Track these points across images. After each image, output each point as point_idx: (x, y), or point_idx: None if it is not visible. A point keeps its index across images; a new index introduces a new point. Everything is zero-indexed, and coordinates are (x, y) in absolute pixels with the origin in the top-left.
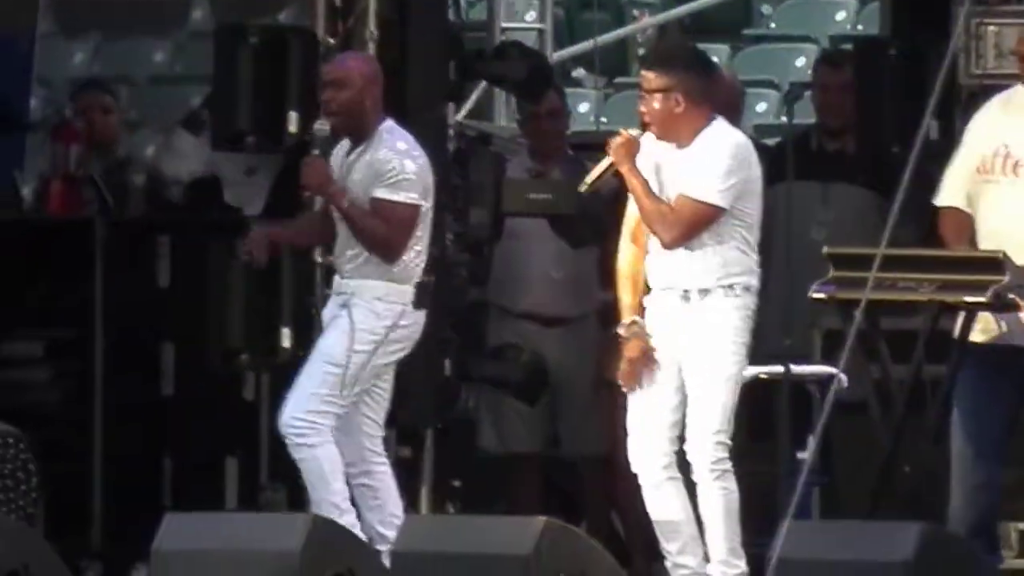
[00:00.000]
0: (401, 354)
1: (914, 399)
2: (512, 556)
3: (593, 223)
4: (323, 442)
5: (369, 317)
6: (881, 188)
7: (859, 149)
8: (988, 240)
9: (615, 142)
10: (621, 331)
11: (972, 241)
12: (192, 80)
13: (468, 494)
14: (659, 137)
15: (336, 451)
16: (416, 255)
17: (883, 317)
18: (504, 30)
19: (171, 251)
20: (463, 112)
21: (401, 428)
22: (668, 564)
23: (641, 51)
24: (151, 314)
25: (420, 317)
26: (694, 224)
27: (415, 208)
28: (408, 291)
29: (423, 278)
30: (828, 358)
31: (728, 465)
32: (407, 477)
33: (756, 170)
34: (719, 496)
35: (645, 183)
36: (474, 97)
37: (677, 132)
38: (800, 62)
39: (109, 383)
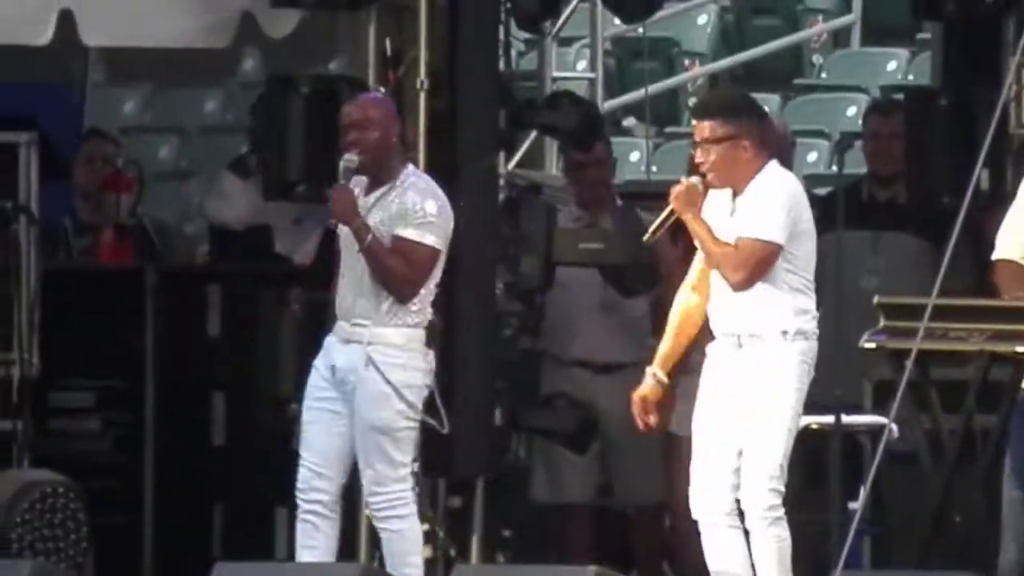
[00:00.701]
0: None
1: (965, 449)
2: None
3: (644, 272)
4: (411, 514)
5: (398, 371)
6: (932, 237)
7: (910, 198)
8: None
9: (676, 190)
10: (647, 371)
11: None
12: (243, 130)
13: (519, 544)
14: (719, 185)
15: (419, 523)
16: (428, 295)
17: (934, 367)
18: (555, 79)
19: (221, 300)
20: (514, 162)
21: (451, 477)
22: None
23: (692, 101)
24: (201, 363)
25: (431, 356)
26: (759, 264)
27: (437, 253)
28: (422, 334)
29: (432, 319)
30: (879, 408)
31: (781, 512)
32: (457, 526)
33: (807, 212)
34: (772, 543)
35: (710, 229)
36: (525, 146)
37: (739, 179)
38: (851, 112)
39: (159, 432)
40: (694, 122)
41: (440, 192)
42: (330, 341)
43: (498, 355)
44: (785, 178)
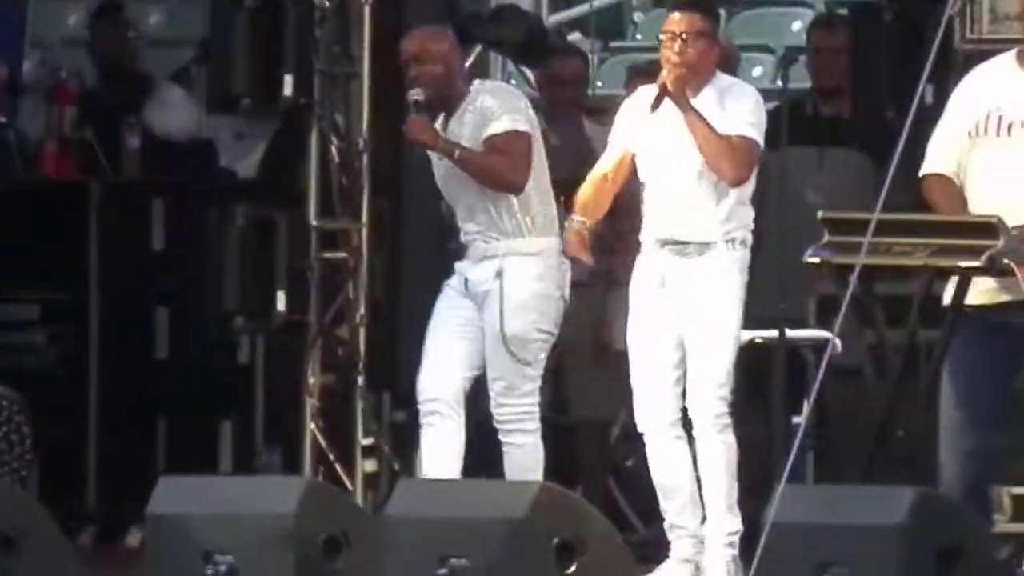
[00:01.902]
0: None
1: (908, 364)
2: (506, 519)
3: None
4: (536, 428)
5: (532, 282)
6: (876, 152)
7: (854, 113)
8: (982, 203)
9: (672, 75)
10: (569, 224)
11: (962, 207)
12: (186, 44)
13: (466, 458)
14: (687, 78)
15: (541, 443)
16: (550, 201)
17: (878, 282)
18: None
19: (166, 214)
20: None
21: (396, 392)
22: (666, 525)
23: (637, 15)
24: (145, 277)
25: (567, 268)
26: (751, 164)
27: (527, 136)
28: (556, 244)
29: (569, 227)
30: (823, 323)
31: (729, 420)
32: (402, 441)
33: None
34: (721, 449)
35: (703, 118)
36: (470, 61)
37: (700, 79)
38: (796, 27)
39: (104, 346)
40: (675, 15)
41: (506, 86)
42: (462, 264)
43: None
44: (752, 88)
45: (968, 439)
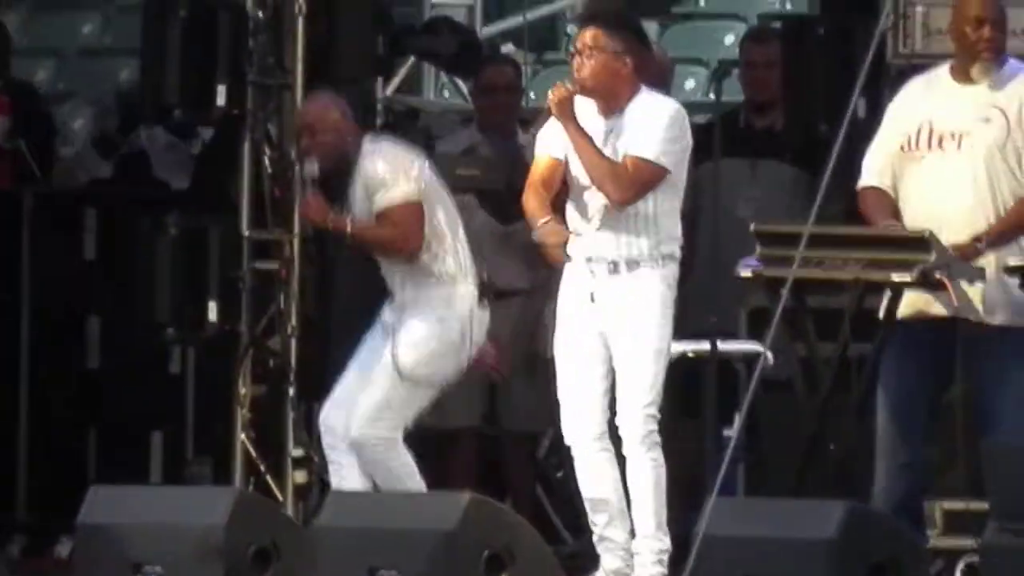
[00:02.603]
0: (470, 351)
1: (840, 377)
2: (436, 531)
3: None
4: (398, 454)
5: (421, 324)
6: (809, 166)
7: (787, 127)
8: (916, 216)
9: (557, 94)
10: (539, 227)
11: (896, 220)
12: (121, 53)
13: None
14: (594, 94)
15: (410, 457)
16: (455, 246)
17: (809, 295)
18: (434, 5)
19: (98, 224)
20: (392, 87)
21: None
22: (595, 538)
23: (570, 28)
24: (78, 286)
25: (486, 315)
26: (647, 184)
27: (415, 204)
28: (471, 291)
29: (484, 275)
30: (754, 336)
31: (657, 437)
32: None
33: (690, 139)
34: (649, 468)
35: (592, 140)
36: (403, 72)
37: (615, 95)
38: (729, 40)
39: (35, 355)
40: (580, 30)
41: (390, 145)
42: (387, 305)
43: (377, 283)
44: (672, 103)
45: (901, 452)
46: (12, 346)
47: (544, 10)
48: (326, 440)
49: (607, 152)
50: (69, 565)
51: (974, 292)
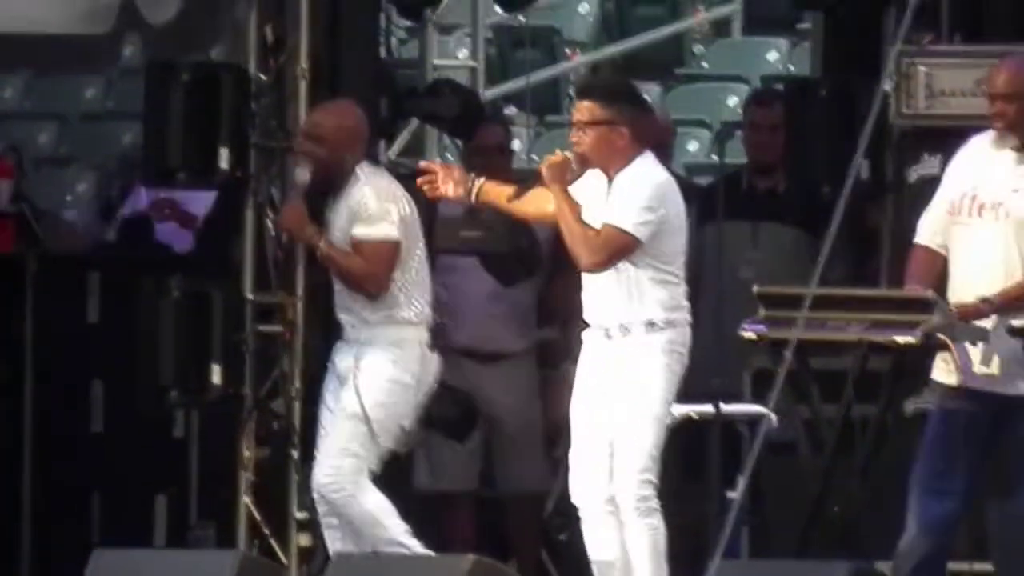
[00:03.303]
0: (420, 398)
1: (843, 439)
2: None
3: (525, 260)
4: (364, 496)
5: (380, 367)
6: (811, 227)
7: (789, 189)
8: (957, 281)
9: (548, 160)
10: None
11: (938, 280)
12: (123, 117)
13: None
14: (591, 166)
15: (381, 495)
16: (422, 293)
17: (813, 357)
18: (436, 68)
19: (101, 287)
20: (395, 149)
21: None
22: None
23: (574, 84)
24: (81, 350)
25: (435, 360)
26: (614, 251)
27: (393, 244)
28: (423, 335)
29: (437, 320)
30: (758, 398)
31: (655, 503)
32: None
33: (675, 208)
34: (646, 534)
35: (576, 207)
36: (406, 134)
37: (611, 164)
38: (732, 102)
39: (38, 419)
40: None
41: (387, 181)
42: (336, 346)
43: None
44: (656, 174)
45: (934, 510)
46: (16, 409)
47: (546, 73)
48: (320, 508)
49: (604, 216)
50: None
51: (979, 354)
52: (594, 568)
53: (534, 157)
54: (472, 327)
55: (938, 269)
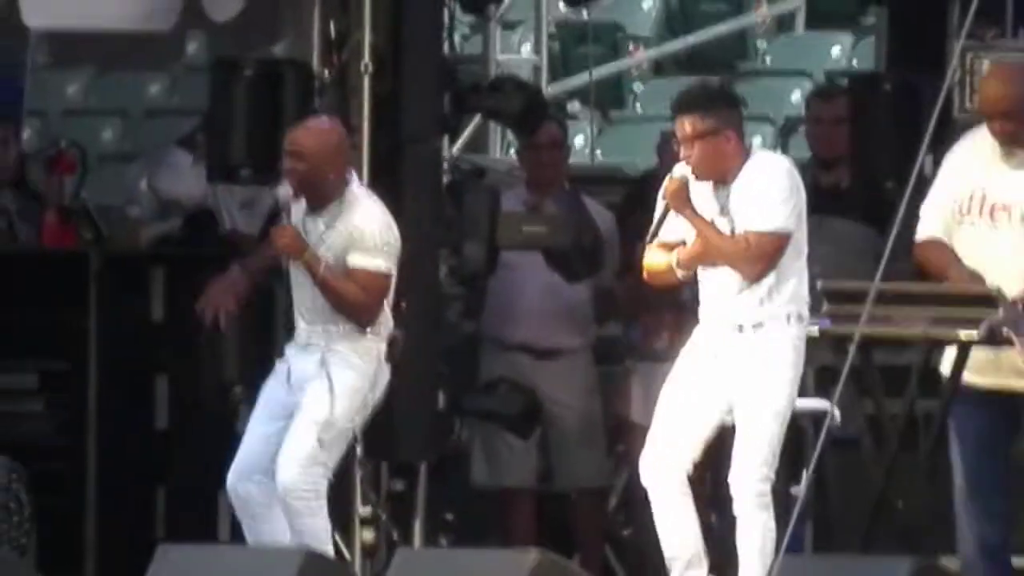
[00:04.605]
0: (367, 411)
1: (907, 434)
2: None
3: (588, 257)
4: (322, 507)
5: (350, 374)
6: (876, 222)
7: (853, 184)
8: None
9: (670, 188)
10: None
11: (961, 267)
12: (187, 113)
13: (461, 528)
14: (706, 178)
15: (327, 518)
16: (384, 316)
17: (877, 352)
18: (499, 63)
19: (165, 283)
20: (458, 145)
21: (394, 461)
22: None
23: (636, 85)
24: (145, 346)
25: (387, 372)
26: (774, 255)
27: (389, 278)
28: (382, 347)
29: (394, 333)
30: (822, 393)
31: (769, 499)
32: (400, 511)
33: (802, 191)
34: (759, 529)
35: (712, 225)
36: (469, 130)
37: (726, 170)
38: (795, 97)
39: (103, 415)
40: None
41: (382, 209)
42: (290, 349)
43: (441, 339)
44: (779, 163)
45: (978, 506)
46: (81, 407)
47: (609, 68)
48: (241, 511)
49: (724, 224)
50: None
51: None
52: (665, 549)
53: (598, 152)
54: (529, 323)
55: (956, 258)
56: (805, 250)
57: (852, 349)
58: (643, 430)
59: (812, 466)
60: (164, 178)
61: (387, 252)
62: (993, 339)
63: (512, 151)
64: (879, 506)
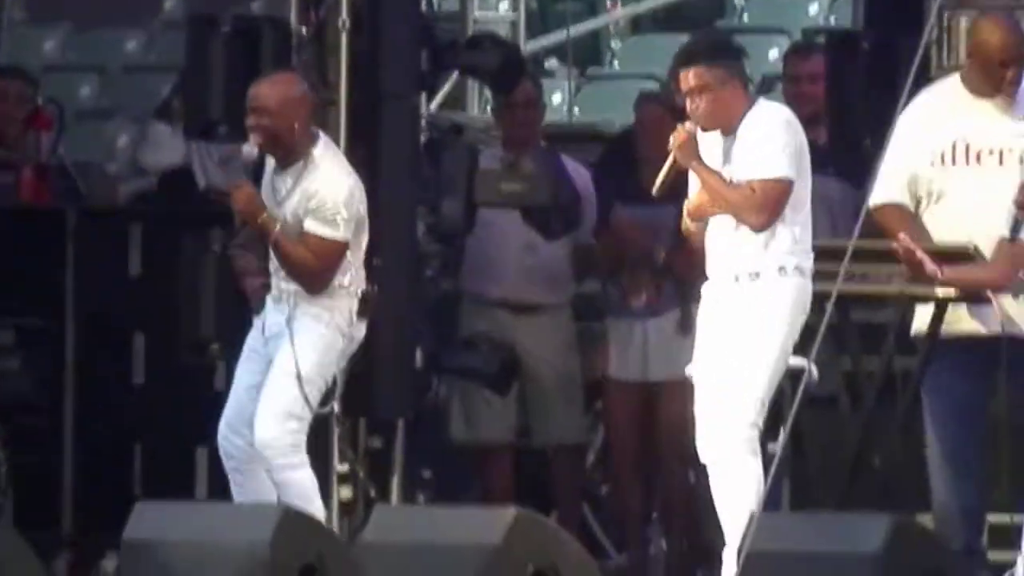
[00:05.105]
0: (343, 363)
1: (884, 392)
2: (482, 547)
3: (565, 214)
4: (303, 462)
5: (318, 329)
6: (853, 180)
7: (831, 141)
8: (959, 230)
9: (677, 141)
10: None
11: (923, 236)
12: (165, 70)
13: (439, 484)
14: (711, 129)
15: (311, 471)
16: (359, 265)
17: (854, 309)
18: (477, 21)
19: (143, 240)
20: (436, 103)
21: (372, 418)
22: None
23: (614, 43)
24: (122, 303)
25: (363, 327)
26: (778, 203)
27: (343, 246)
28: (354, 303)
29: (367, 288)
30: (799, 351)
31: (756, 446)
32: (378, 467)
33: (802, 139)
34: (741, 476)
35: (719, 175)
36: (447, 88)
37: (731, 121)
38: (773, 54)
39: (80, 372)
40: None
41: (346, 172)
42: (268, 302)
43: (419, 296)
44: (780, 112)
45: (954, 466)
46: (58, 363)
47: (588, 25)
48: (230, 466)
49: (728, 174)
50: None
51: (1019, 307)
52: (725, 522)
53: (576, 110)
54: (507, 280)
55: (917, 223)
56: (808, 204)
57: (829, 307)
58: (620, 387)
59: (789, 424)
60: (150, 157)
61: (344, 220)
62: (970, 296)
63: (489, 109)
64: (856, 464)
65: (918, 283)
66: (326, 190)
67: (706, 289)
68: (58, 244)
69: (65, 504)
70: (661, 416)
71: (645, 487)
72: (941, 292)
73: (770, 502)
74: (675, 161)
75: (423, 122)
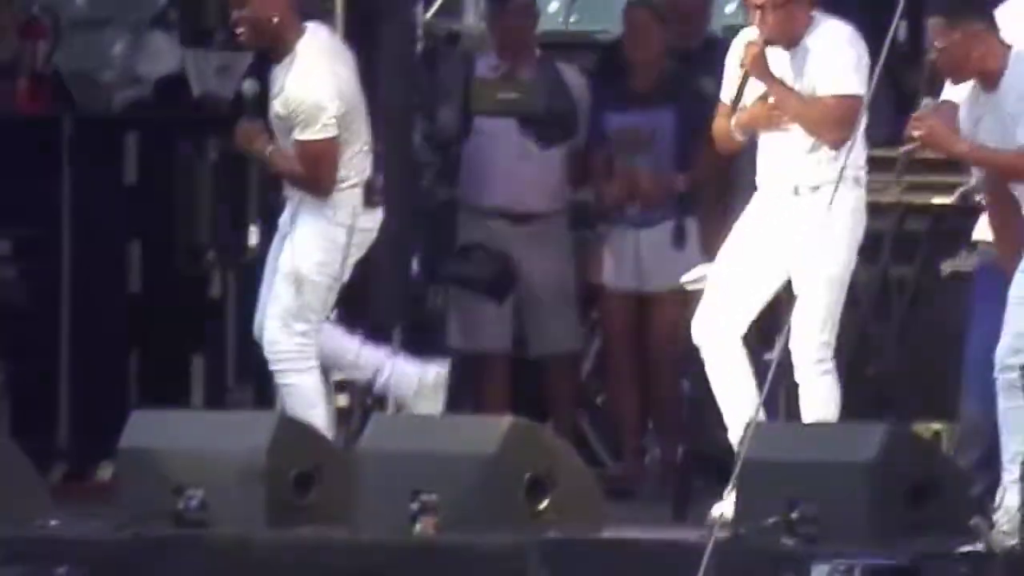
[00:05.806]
0: (358, 255)
1: (880, 300)
2: (478, 455)
3: (561, 122)
4: (310, 367)
5: (320, 225)
6: None
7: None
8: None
9: (749, 54)
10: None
11: None
12: None
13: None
14: (777, 43)
15: (319, 374)
16: (361, 155)
17: None
18: None
19: (139, 149)
20: (432, 10)
21: (369, 327)
22: (731, 437)
23: None
24: (118, 211)
25: (376, 216)
26: (854, 120)
27: (330, 143)
28: (356, 193)
29: (371, 177)
30: None
31: (831, 364)
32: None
33: (865, 54)
34: (820, 393)
35: (793, 91)
36: None
37: (796, 34)
38: None
39: (76, 281)
40: None
41: (324, 68)
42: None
43: (415, 205)
44: (844, 28)
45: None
46: (54, 272)
47: None
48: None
49: (797, 85)
50: (111, 489)
51: None
52: (723, 408)
53: (572, 19)
54: (503, 188)
55: None
56: (864, 115)
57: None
58: (615, 296)
59: (785, 332)
60: (147, 67)
61: (326, 118)
62: (967, 206)
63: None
64: (851, 372)
65: (914, 191)
66: (303, 93)
67: (757, 200)
68: (54, 153)
69: (61, 413)
70: (654, 325)
71: (641, 396)
72: (938, 201)
73: (767, 410)
74: (747, 75)
75: (419, 31)
